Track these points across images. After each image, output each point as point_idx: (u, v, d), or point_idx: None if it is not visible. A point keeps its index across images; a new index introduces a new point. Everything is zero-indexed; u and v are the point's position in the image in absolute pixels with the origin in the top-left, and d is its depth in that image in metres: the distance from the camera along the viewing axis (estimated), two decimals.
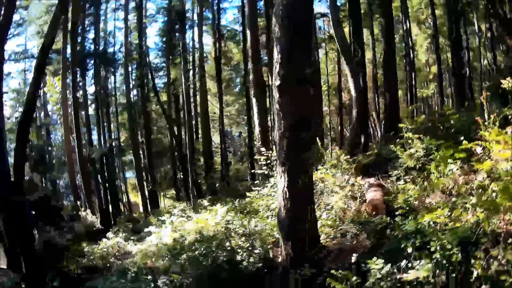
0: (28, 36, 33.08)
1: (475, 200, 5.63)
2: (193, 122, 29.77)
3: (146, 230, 14.02)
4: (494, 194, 5.24)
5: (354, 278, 5.17)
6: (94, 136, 33.85)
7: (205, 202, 16.54)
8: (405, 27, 25.31)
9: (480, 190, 6.07)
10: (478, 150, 6.74)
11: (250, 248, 7.67)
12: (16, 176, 11.58)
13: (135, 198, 38.95)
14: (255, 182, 14.16)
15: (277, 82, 6.29)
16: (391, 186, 8.35)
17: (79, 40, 29.86)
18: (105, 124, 33.61)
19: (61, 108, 24.86)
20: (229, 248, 7.84)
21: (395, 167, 8.79)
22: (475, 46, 25.53)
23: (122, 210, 34.42)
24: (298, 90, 6.30)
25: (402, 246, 5.29)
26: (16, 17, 30.60)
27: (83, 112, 31.38)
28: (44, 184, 32.74)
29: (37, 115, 36.34)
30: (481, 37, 24.58)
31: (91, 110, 33.39)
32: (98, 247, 13.35)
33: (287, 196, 6.40)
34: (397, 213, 6.74)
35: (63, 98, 24.21)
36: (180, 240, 10.21)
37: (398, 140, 9.25)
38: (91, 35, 31.80)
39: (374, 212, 7.33)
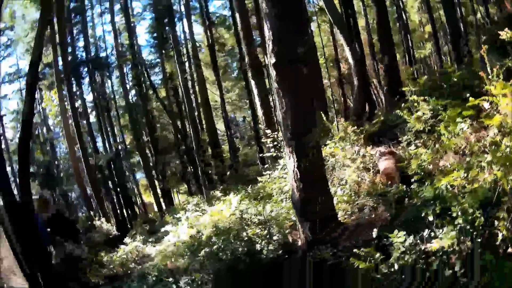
0: (19, 56, 33.05)
1: (489, 157, 5.48)
2: (196, 113, 29.45)
3: (162, 230, 14.12)
4: (508, 149, 5.07)
5: (378, 255, 5.00)
6: (100, 143, 33.56)
7: (218, 193, 16.31)
8: None
9: (493, 146, 5.91)
10: (486, 105, 6.54)
11: (268, 236, 7.51)
12: (23, 196, 11.45)
13: (149, 198, 38.92)
14: (265, 166, 14.01)
15: (273, 60, 6.07)
16: (403, 153, 8.14)
17: (70, 50, 29.72)
18: (108, 129, 33.47)
19: (62, 121, 24.71)
20: (246, 238, 7.68)
21: (403, 132, 8.58)
22: (466, 0, 25.11)
23: (138, 212, 34.34)
24: (298, 66, 6.07)
25: (423, 214, 5.14)
26: (3, 39, 30.75)
27: (84, 121, 31.25)
28: (55, 199, 32.72)
29: (39, 131, 36.40)
30: None
31: (92, 118, 33.20)
32: (116, 254, 13.25)
33: (298, 177, 6.23)
34: (412, 180, 6.56)
35: (62, 110, 24.06)
36: (197, 236, 10.07)
37: (403, 104, 9.07)
38: (81, 43, 31.56)
39: (389, 182, 7.13)
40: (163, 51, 30.58)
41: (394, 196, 6.63)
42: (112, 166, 30.85)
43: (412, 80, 9.47)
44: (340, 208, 7.30)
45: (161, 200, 30.92)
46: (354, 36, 15.57)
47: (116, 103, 34.28)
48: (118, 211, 30.06)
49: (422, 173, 6.62)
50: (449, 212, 4.84)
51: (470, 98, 6.53)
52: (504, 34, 6.84)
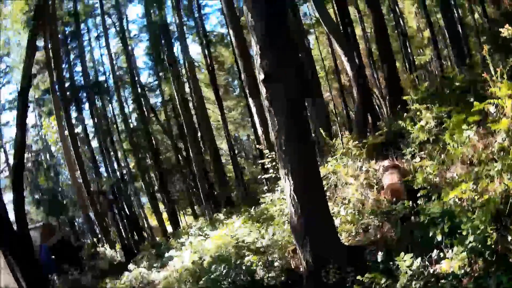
0: (17, 82, 32.72)
1: (499, 165, 5.15)
2: (199, 134, 29.10)
3: (167, 255, 13.70)
4: None
5: (383, 280, 4.63)
6: (103, 168, 33.41)
7: (221, 216, 16.05)
8: None
9: (502, 153, 5.57)
10: (492, 109, 6.23)
11: (269, 262, 7.14)
12: (19, 226, 11.30)
13: (156, 221, 38.65)
14: (265, 188, 13.69)
15: (261, 76, 5.69)
16: (408, 166, 7.72)
17: (68, 75, 29.69)
18: (111, 153, 33.30)
19: (62, 147, 24.52)
20: (248, 264, 7.34)
21: (407, 144, 8.18)
22: (463, 1, 24.83)
23: (146, 236, 33.99)
24: (287, 81, 5.71)
25: (430, 234, 4.79)
26: (2, 66, 30.67)
27: (86, 147, 31.12)
28: (60, 226, 32.51)
29: (42, 157, 36.29)
30: None
31: (95, 143, 33.09)
32: (120, 281, 12.94)
33: (296, 200, 5.77)
34: (418, 194, 6.17)
35: (61, 137, 23.86)
36: (199, 262, 9.76)
37: (405, 114, 8.71)
38: (79, 67, 31.39)
39: (394, 198, 6.72)
40: (161, 73, 30.46)
41: (400, 213, 6.22)
42: (116, 191, 30.54)
43: (413, 88, 9.05)
44: (343, 229, 6.90)
45: (168, 222, 30.61)
46: (352, 45, 15.27)
47: (118, 127, 34.07)
48: (125, 235, 29.73)
49: (429, 187, 6.24)
50: (459, 231, 4.52)
51: (475, 103, 6.20)
52: (505, 31, 6.50)
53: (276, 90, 5.67)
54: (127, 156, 34.90)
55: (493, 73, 5.97)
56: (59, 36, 29.03)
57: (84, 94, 30.74)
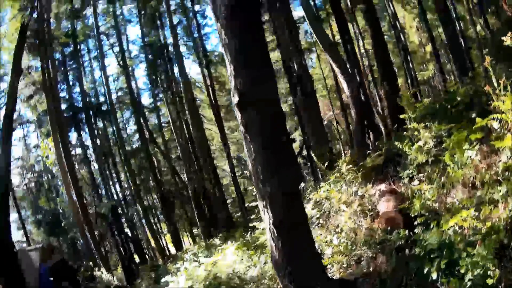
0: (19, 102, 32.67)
1: (503, 189, 4.63)
2: (195, 155, 28.66)
3: (163, 280, 13.46)
4: None
5: None
6: (104, 190, 33.22)
7: (217, 241, 15.68)
8: (390, 12, 24.25)
9: (507, 172, 5.01)
10: (495, 125, 5.64)
11: None
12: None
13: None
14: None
15: (236, 99, 5.11)
16: (405, 189, 7.14)
17: (67, 97, 29.60)
18: (114, 175, 33.06)
19: (59, 169, 24.26)
20: None
21: (405, 166, 7.60)
22: (464, 14, 24.51)
23: (148, 258, 33.55)
24: (264, 103, 5.16)
25: (425, 271, 4.27)
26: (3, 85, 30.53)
27: (86, 168, 30.92)
28: (61, 247, 32.33)
29: (43, 178, 36.16)
30: (468, 3, 23.61)
31: (95, 165, 32.89)
32: None
33: (276, 234, 5.18)
34: (415, 222, 5.64)
35: (58, 158, 23.56)
36: None
37: (405, 132, 8.21)
38: (77, 88, 31.30)
39: (389, 227, 6.16)
40: (161, 94, 30.28)
41: (395, 243, 5.67)
42: (116, 213, 30.23)
43: (410, 105, 8.44)
44: (335, 261, 6.35)
45: (170, 245, 30.30)
46: (353, 62, 14.86)
47: (119, 149, 33.81)
48: (126, 257, 29.29)
49: (427, 214, 5.70)
50: (457, 268, 4.04)
51: (477, 119, 5.69)
52: (508, 39, 6.01)
53: (252, 113, 5.10)
54: (128, 178, 34.65)
55: (496, 85, 5.49)
56: (58, 56, 29.13)
57: (83, 115, 30.53)
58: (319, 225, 7.83)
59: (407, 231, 5.68)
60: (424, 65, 32.22)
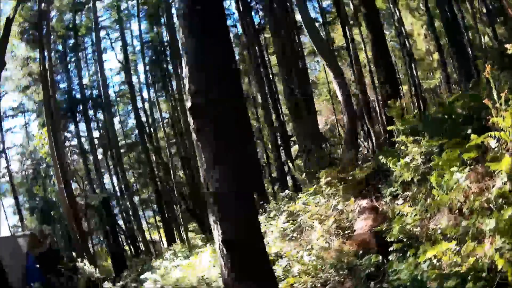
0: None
1: (492, 223, 4.04)
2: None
3: (142, 276, 13.50)
4: None
5: None
6: (107, 180, 33.84)
7: (199, 242, 15.29)
8: (396, 17, 23.62)
9: (501, 200, 4.37)
10: (492, 144, 5.05)
11: None
12: None
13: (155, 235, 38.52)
14: None
15: (188, 104, 4.48)
16: (387, 208, 6.53)
17: (67, 89, 29.48)
18: (111, 167, 32.80)
19: (51, 159, 23.92)
20: None
21: (389, 183, 6.98)
22: (472, 24, 23.91)
23: (143, 250, 33.28)
24: (221, 109, 4.50)
25: None
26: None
27: (81, 160, 30.67)
28: (49, 235, 32.17)
29: (41, 166, 36.17)
30: (475, 13, 23.04)
31: (91, 157, 32.75)
32: None
33: (225, 253, 4.54)
34: (391, 248, 5.06)
35: (51, 149, 23.21)
36: None
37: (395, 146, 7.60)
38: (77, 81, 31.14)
39: (361, 251, 5.56)
40: (160, 90, 30.08)
41: (366, 270, 5.09)
42: (108, 205, 30.02)
43: (398, 117, 7.73)
44: (299, 281, 5.74)
45: (164, 239, 30.14)
46: (355, 68, 14.47)
47: (117, 142, 33.59)
48: (117, 249, 29.76)
49: (405, 239, 5.12)
50: None
51: (472, 135, 5.15)
52: (510, 47, 5.43)
53: (205, 120, 4.48)
54: (125, 170, 34.39)
55: (496, 98, 4.92)
56: (60, 49, 29.01)
57: (80, 107, 30.43)
58: (293, 238, 7.26)
59: (380, 257, 5.15)
60: (431, 73, 31.58)
